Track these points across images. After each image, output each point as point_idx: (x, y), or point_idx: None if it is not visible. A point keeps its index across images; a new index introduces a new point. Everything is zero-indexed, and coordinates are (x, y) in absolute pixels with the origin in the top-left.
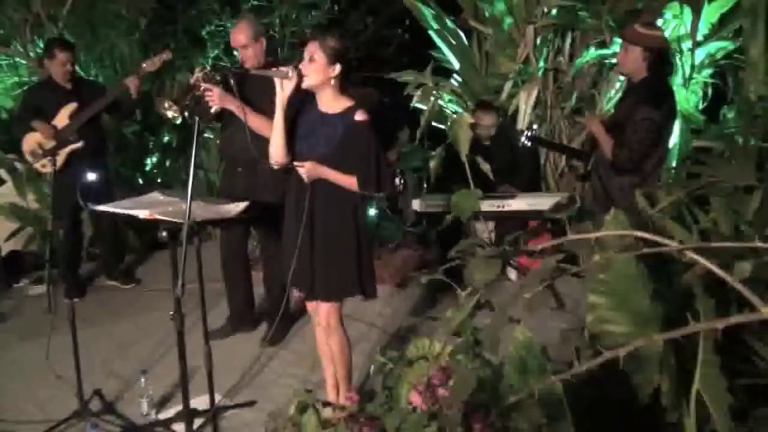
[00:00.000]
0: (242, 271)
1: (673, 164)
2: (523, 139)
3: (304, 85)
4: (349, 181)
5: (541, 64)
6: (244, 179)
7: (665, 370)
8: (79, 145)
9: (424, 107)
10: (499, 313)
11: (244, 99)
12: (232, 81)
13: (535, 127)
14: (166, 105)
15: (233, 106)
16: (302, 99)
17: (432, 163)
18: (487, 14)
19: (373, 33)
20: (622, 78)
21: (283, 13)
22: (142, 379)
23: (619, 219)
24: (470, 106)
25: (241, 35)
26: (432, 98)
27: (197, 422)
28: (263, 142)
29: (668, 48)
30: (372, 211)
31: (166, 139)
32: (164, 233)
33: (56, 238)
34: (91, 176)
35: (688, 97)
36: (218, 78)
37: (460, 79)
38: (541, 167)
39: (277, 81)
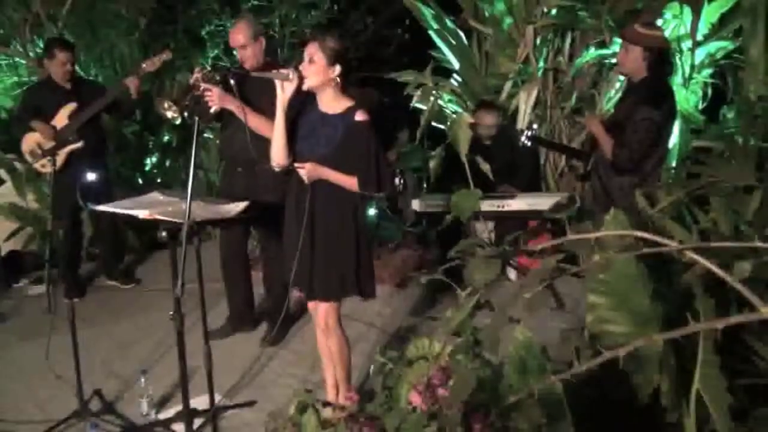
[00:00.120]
0: (242, 271)
1: (673, 164)
2: (523, 138)
3: (305, 86)
4: (350, 182)
5: (541, 64)
6: (244, 179)
7: (665, 370)
8: (78, 145)
9: (424, 107)
10: (499, 313)
11: (243, 99)
12: (231, 81)
13: (535, 126)
14: (166, 105)
15: (233, 106)
16: (302, 100)
17: (432, 163)
18: (487, 14)
19: (373, 33)
20: (622, 78)
21: (283, 13)
22: (142, 379)
23: (619, 219)
24: (470, 106)
25: (240, 35)
26: (432, 98)
27: (197, 422)
28: (263, 143)
29: (668, 48)
30: (372, 211)
31: (166, 139)
32: (164, 233)
33: (56, 238)
34: (91, 176)
35: (688, 97)
36: (218, 78)
37: (459, 79)
38: (541, 167)
39: (277, 83)
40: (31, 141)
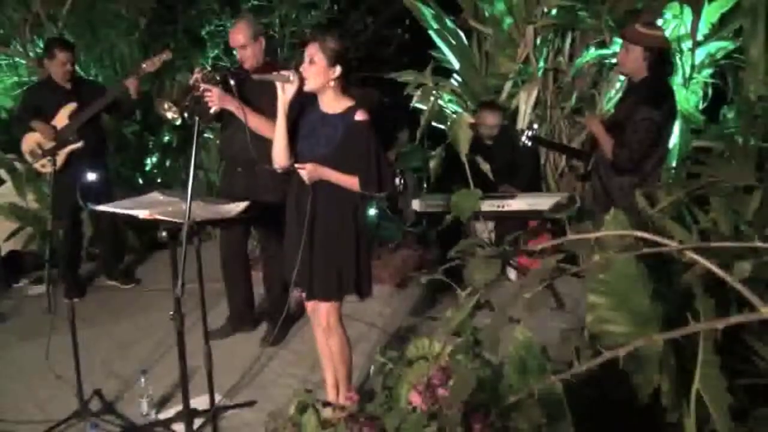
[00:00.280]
0: (242, 271)
1: (673, 164)
2: (523, 138)
3: (306, 88)
4: (350, 182)
5: (541, 64)
6: (244, 179)
7: (665, 370)
8: (78, 145)
9: (424, 107)
10: (499, 313)
11: (243, 99)
12: (231, 81)
13: (535, 126)
14: (166, 106)
15: (233, 106)
16: (303, 101)
17: (432, 163)
18: (487, 14)
19: (373, 33)
20: (622, 78)
21: (283, 13)
22: (142, 379)
23: (619, 219)
24: (470, 106)
25: (239, 35)
26: (432, 98)
27: (197, 422)
28: (263, 143)
29: (669, 48)
30: (372, 211)
31: (166, 139)
32: (164, 233)
33: (56, 238)
34: (91, 176)
35: (688, 97)
36: (218, 78)
37: (460, 79)
38: (541, 167)
39: (278, 85)
40: (31, 141)
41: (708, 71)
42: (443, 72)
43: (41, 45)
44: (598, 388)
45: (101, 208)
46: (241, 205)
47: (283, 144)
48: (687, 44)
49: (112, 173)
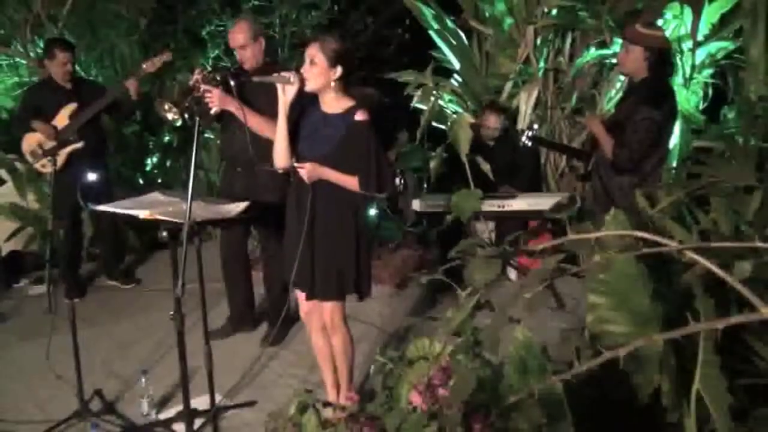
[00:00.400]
0: (242, 271)
1: (674, 164)
2: (523, 139)
3: (307, 88)
4: (350, 182)
5: (542, 64)
6: (244, 179)
7: (665, 370)
8: (79, 145)
9: (424, 107)
10: (499, 313)
11: (243, 99)
12: (231, 82)
13: (535, 127)
14: (166, 107)
15: (233, 107)
16: (303, 102)
17: (432, 163)
18: (487, 14)
19: (373, 33)
20: (622, 78)
21: (283, 13)
22: (143, 379)
23: (619, 219)
24: (471, 106)
25: (240, 35)
26: (432, 98)
27: (197, 422)
28: (263, 143)
29: (669, 48)
30: (372, 211)
31: (166, 139)
32: (164, 233)
33: (56, 238)
34: (92, 176)
35: (688, 97)
36: (218, 79)
37: (460, 80)
38: (542, 167)
39: (279, 86)
40: (31, 141)
41: (708, 71)
42: (443, 72)
43: (42, 45)
44: (598, 388)
45: (102, 208)
46: (241, 205)
47: (284, 145)
48: (687, 44)
49: (113, 173)
